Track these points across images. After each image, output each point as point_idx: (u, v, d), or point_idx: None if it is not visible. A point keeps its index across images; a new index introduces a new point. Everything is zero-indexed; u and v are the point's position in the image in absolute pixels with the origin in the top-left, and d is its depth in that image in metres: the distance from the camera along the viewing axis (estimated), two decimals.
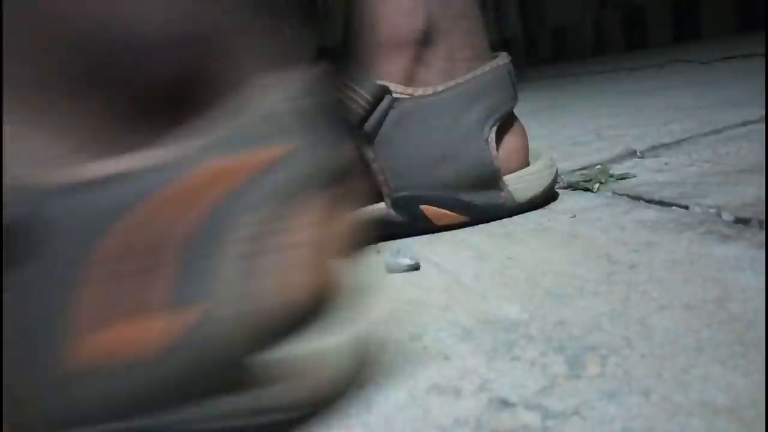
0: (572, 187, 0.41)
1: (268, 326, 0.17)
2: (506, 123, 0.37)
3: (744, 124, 0.52)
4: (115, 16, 0.16)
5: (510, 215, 0.37)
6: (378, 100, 0.34)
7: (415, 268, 0.30)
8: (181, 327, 0.16)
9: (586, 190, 0.40)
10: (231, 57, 0.17)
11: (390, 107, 0.35)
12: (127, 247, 0.16)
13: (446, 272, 0.29)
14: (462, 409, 0.18)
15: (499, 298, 0.25)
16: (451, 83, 0.35)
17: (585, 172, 0.45)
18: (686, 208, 0.32)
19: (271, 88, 0.18)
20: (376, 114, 0.34)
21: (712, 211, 0.31)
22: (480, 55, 0.37)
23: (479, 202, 0.36)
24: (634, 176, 0.42)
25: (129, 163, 0.16)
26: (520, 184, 0.37)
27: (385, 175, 0.35)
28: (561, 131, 0.70)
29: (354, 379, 0.20)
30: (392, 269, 0.30)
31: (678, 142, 0.51)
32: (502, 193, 0.36)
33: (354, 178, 0.20)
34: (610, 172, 0.43)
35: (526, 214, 0.37)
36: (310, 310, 0.18)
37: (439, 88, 0.35)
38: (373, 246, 0.36)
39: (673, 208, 0.33)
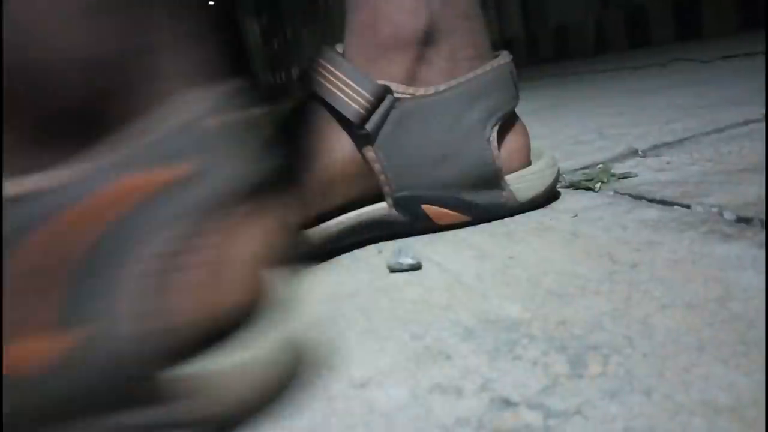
0: (574, 186, 0.41)
1: (177, 343, 0.17)
2: (508, 122, 0.37)
3: (746, 122, 0.52)
4: (20, 41, 0.16)
5: (512, 215, 0.37)
6: (379, 100, 0.34)
7: (417, 267, 0.30)
8: (66, 346, 0.16)
9: (588, 189, 0.40)
10: (147, 76, 0.17)
11: (391, 107, 0.35)
12: (28, 267, 0.16)
13: (448, 272, 0.29)
14: (464, 409, 0.18)
15: (501, 298, 0.25)
16: (453, 82, 0.35)
17: (587, 171, 0.45)
18: (688, 207, 0.32)
19: (185, 105, 0.18)
20: (378, 114, 0.34)
21: (714, 210, 0.31)
22: (482, 54, 0.37)
23: (481, 201, 0.36)
24: (636, 175, 0.41)
25: (36, 183, 0.16)
26: (521, 183, 0.37)
27: (387, 174, 0.35)
28: (563, 130, 0.70)
29: (276, 391, 0.20)
30: (394, 269, 0.30)
31: (680, 141, 0.51)
32: (504, 193, 0.36)
33: (278, 193, 0.20)
34: (612, 171, 0.43)
35: (527, 214, 0.37)
36: (228, 324, 0.18)
37: (441, 88, 0.35)
38: (374, 246, 0.36)
39: (675, 207, 0.33)
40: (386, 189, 0.36)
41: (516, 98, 0.38)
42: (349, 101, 0.34)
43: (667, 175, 0.40)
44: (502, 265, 0.29)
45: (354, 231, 0.36)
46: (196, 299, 0.17)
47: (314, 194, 0.35)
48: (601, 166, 0.46)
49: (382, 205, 0.36)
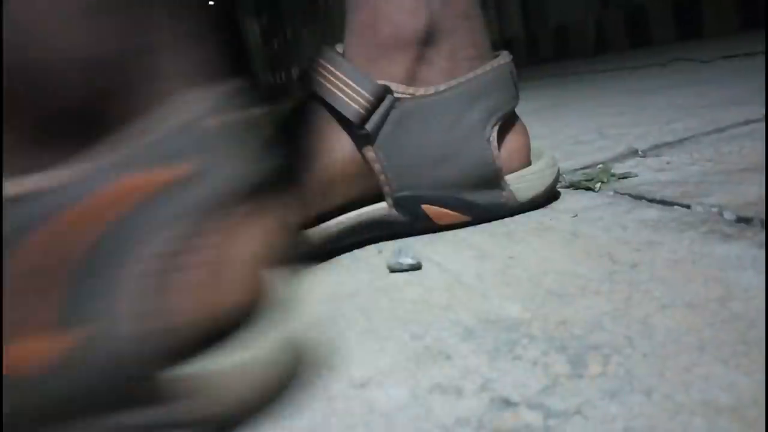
0: (574, 186, 0.41)
1: (177, 343, 0.17)
2: (508, 122, 0.37)
3: (746, 122, 0.52)
4: (20, 41, 0.16)
5: (512, 215, 0.37)
6: (379, 100, 0.34)
7: (417, 267, 0.30)
8: (66, 346, 0.16)
9: (588, 189, 0.40)
10: (147, 76, 0.17)
11: (391, 107, 0.35)
12: (28, 267, 0.16)
13: (448, 272, 0.29)
14: (464, 409, 0.18)
15: (501, 298, 0.25)
16: (453, 82, 0.35)
17: (587, 171, 0.45)
18: (688, 207, 0.32)
19: (185, 105, 0.18)
20: (378, 114, 0.34)
21: (714, 210, 0.31)
22: (482, 54, 0.37)
23: (481, 201, 0.36)
24: (636, 175, 0.41)
25: (36, 183, 0.16)
26: (521, 183, 0.37)
27: (387, 174, 0.35)
28: (563, 130, 0.70)
29: (276, 391, 0.20)
30: (394, 269, 0.30)
31: (680, 141, 0.51)
32: (504, 193, 0.36)
33: (278, 193, 0.20)
34: (612, 171, 0.43)
35: (527, 214, 0.37)
36: (228, 324, 0.18)
37: (441, 88, 0.35)
38: (374, 246, 0.36)
39: (675, 207, 0.33)
40: (386, 189, 0.36)
41: (516, 98, 0.38)
42: (349, 101, 0.34)
43: (667, 175, 0.40)
44: (502, 265, 0.29)
45: (354, 231, 0.36)
46: (196, 299, 0.17)
47: (314, 194, 0.35)
48: (601, 166, 0.46)
49: (382, 205, 0.36)
